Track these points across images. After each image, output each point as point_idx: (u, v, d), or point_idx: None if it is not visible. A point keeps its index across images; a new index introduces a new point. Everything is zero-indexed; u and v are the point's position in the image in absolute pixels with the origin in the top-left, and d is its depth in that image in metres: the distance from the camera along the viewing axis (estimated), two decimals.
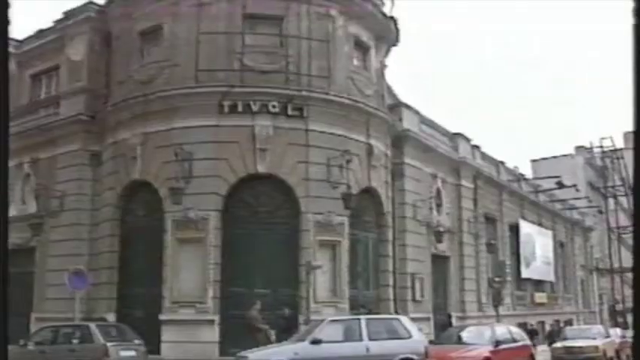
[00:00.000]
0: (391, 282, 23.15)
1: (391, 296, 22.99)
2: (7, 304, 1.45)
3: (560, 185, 42.67)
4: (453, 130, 29.99)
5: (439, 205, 27.02)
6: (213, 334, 18.97)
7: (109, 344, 16.06)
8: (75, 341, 16.71)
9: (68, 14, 23.78)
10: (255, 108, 19.71)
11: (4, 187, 1.44)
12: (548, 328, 36.83)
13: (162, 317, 19.19)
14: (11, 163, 24.19)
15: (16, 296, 23.34)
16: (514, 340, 18.35)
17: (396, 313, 21.52)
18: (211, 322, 19.01)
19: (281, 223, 20.06)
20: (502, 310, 28.38)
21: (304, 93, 20.27)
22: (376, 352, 14.29)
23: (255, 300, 18.45)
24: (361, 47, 22.99)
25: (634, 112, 1.69)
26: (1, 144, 1.46)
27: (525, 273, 36.38)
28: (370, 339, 14.57)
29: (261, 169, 19.85)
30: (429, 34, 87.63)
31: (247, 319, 17.97)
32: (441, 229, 25.97)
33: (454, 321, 25.97)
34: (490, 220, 32.71)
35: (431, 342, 17.53)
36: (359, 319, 15.49)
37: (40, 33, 25.39)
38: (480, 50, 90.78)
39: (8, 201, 1.45)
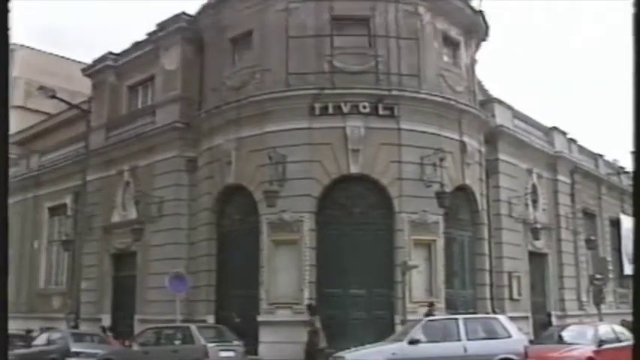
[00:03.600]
0: (488, 281, 22.70)
1: (488, 295, 22.55)
2: (6, 303, 1.48)
3: None
4: (549, 124, 29.20)
5: (535, 202, 26.35)
6: None
7: (209, 345, 16.38)
8: (177, 342, 17.18)
9: (161, 26, 24.44)
10: (346, 109, 19.75)
11: (4, 184, 1.46)
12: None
13: (259, 319, 19.47)
14: (112, 172, 25.35)
15: (121, 299, 24.38)
16: (618, 340, 17.66)
17: (494, 312, 21.13)
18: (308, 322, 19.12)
19: (375, 223, 19.99)
20: (604, 309, 27.34)
21: (395, 92, 20.16)
22: (474, 352, 14.10)
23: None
24: (450, 43, 22.70)
25: (634, 113, 1.60)
26: (1, 142, 1.47)
27: (628, 269, 34.92)
28: (468, 339, 14.41)
29: (354, 169, 19.86)
30: (519, 24, 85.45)
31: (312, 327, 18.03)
32: (538, 226, 25.31)
33: (553, 320, 25.25)
34: (589, 215, 31.64)
35: (530, 342, 17.14)
36: (457, 318, 15.33)
37: (136, 45, 26.23)
38: (573, 36, 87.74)
39: (7, 200, 1.48)
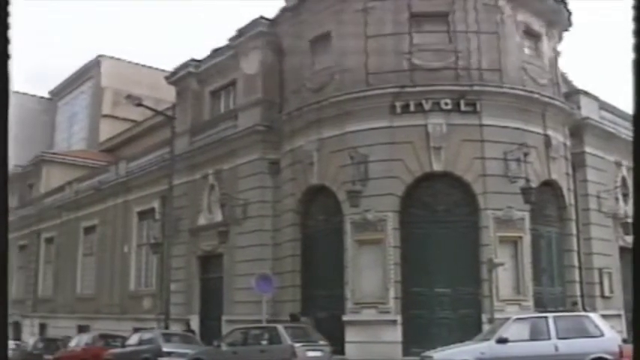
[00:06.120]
0: (577, 278, 22.08)
1: (578, 293, 21.93)
2: (7, 303, 1.52)
3: None
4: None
5: (625, 195, 25.43)
6: (395, 334, 19.01)
7: (296, 345, 16.49)
8: (264, 342, 17.38)
9: (241, 31, 24.85)
10: (427, 106, 19.60)
11: (4, 184, 1.51)
12: None
13: (345, 318, 19.54)
14: (197, 176, 25.94)
15: (209, 300, 24.92)
16: None
17: (584, 310, 20.54)
18: (393, 322, 19.05)
19: (459, 220, 19.74)
20: None
21: (476, 88, 19.89)
22: (566, 352, 13.75)
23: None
24: (532, 35, 22.21)
25: (634, 109, 1.55)
26: (1, 142, 1.52)
27: None
28: (559, 337, 14.07)
29: (437, 167, 19.69)
30: (603, 11, 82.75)
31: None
32: (629, 220, 24.44)
33: None
34: None
35: (624, 340, 16.60)
36: (546, 316, 15.01)
37: (216, 52, 26.79)
38: None
39: (7, 196, 1.53)
